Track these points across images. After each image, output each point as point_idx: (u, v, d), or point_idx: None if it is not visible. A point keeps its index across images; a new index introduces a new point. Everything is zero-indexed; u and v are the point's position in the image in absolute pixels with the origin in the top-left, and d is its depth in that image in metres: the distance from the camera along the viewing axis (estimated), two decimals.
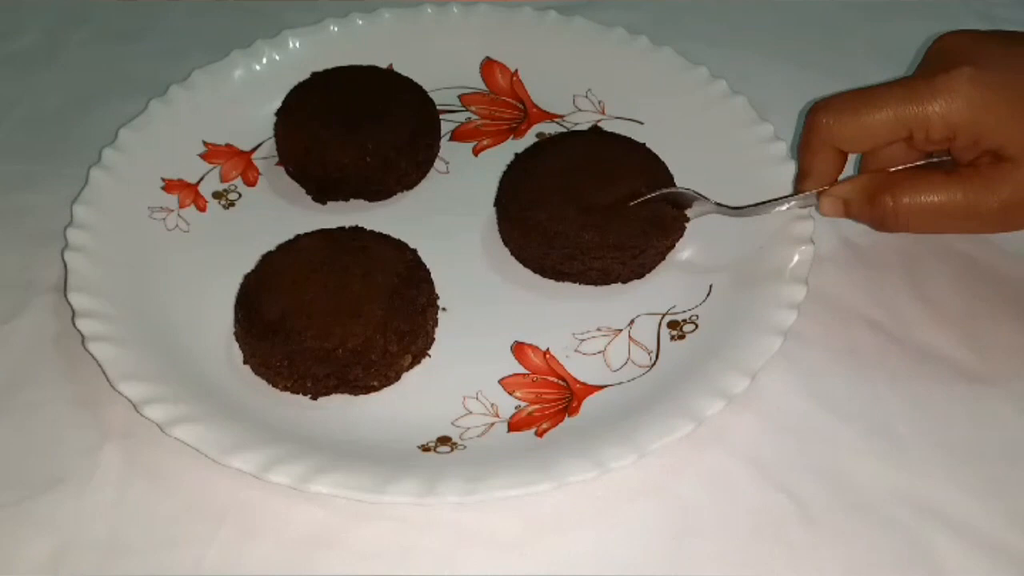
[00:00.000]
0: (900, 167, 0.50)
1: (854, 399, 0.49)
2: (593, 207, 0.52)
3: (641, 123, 0.61)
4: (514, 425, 0.48)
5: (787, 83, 0.65)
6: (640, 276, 0.54)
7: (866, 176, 0.50)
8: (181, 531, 0.44)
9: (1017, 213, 0.47)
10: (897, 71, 0.66)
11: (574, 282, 0.54)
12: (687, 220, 0.54)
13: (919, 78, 0.47)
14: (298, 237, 0.52)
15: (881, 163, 0.51)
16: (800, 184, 0.51)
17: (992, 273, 0.54)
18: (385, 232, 0.52)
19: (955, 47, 0.48)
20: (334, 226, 0.53)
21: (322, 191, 0.58)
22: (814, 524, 0.44)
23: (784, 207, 0.52)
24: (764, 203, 0.52)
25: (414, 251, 0.52)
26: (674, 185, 0.54)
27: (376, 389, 0.49)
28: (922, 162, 0.50)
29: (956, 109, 0.46)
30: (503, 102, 0.64)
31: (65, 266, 0.51)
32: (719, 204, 0.53)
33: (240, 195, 0.59)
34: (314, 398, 0.49)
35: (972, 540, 0.44)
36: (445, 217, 0.57)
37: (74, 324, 0.49)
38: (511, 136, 0.62)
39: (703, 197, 0.53)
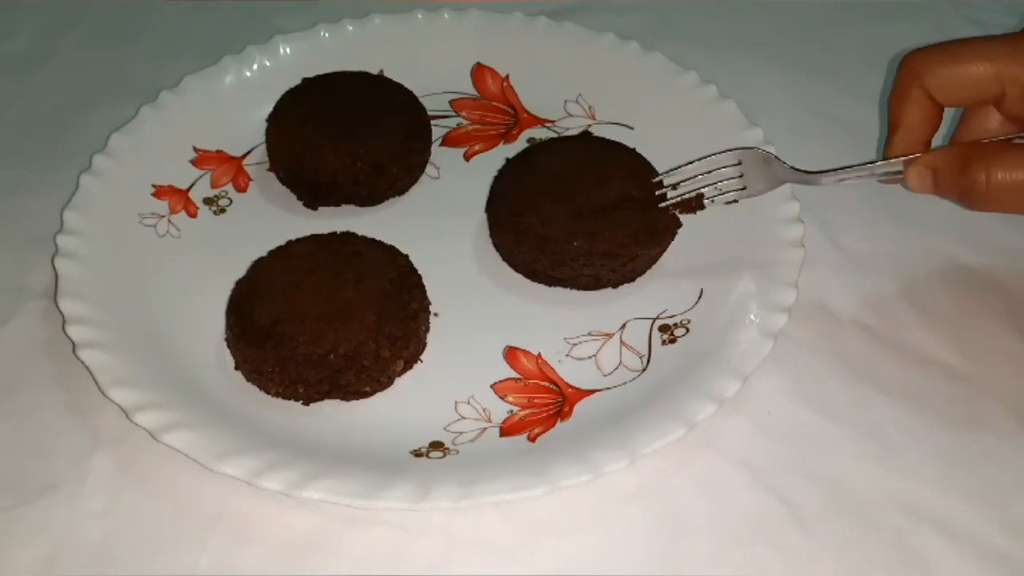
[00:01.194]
0: (994, 139, 0.47)
1: (845, 402, 0.49)
2: (584, 212, 0.52)
3: (631, 128, 0.61)
4: (507, 430, 0.48)
5: (777, 86, 0.66)
6: (631, 281, 0.54)
7: (959, 146, 0.48)
8: (173, 537, 0.44)
9: None
10: (888, 74, 0.67)
11: (565, 287, 0.54)
12: (679, 225, 0.54)
13: (1018, 34, 0.45)
14: (289, 243, 0.52)
15: (974, 134, 0.48)
16: (891, 137, 0.49)
17: (983, 277, 0.55)
18: (377, 237, 0.52)
19: None
20: (325, 232, 0.52)
21: (313, 197, 0.58)
22: (806, 528, 0.45)
23: (866, 175, 0.49)
24: (846, 168, 0.50)
25: (406, 256, 0.52)
26: (663, 187, 0.54)
27: (368, 395, 0.49)
28: (1019, 137, 0.47)
29: None
30: (494, 107, 0.64)
31: (55, 272, 0.51)
32: (796, 169, 0.50)
33: (231, 201, 0.59)
34: (306, 404, 0.49)
35: (963, 543, 0.44)
36: (436, 222, 0.57)
37: (64, 331, 0.48)
38: (502, 141, 0.62)
39: (779, 160, 0.51)
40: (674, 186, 0.53)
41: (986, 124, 0.48)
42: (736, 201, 0.53)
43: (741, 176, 0.52)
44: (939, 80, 0.46)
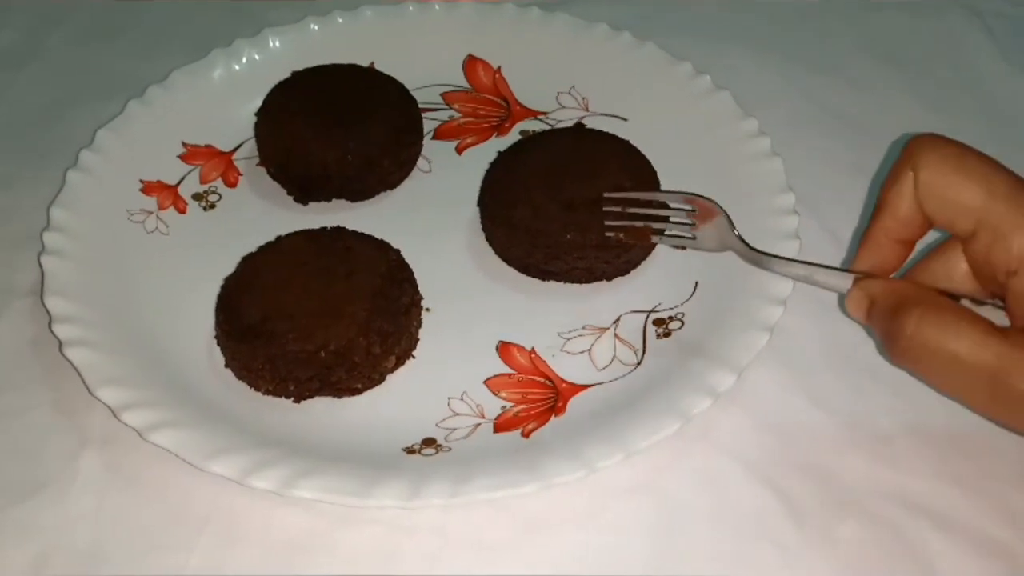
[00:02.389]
0: (950, 293, 0.41)
1: (840, 394, 0.49)
2: (577, 204, 0.52)
3: (625, 119, 0.61)
4: (500, 426, 0.47)
5: (772, 78, 0.65)
6: (625, 273, 0.53)
7: (904, 284, 0.42)
8: (163, 537, 0.44)
9: None
10: (883, 66, 0.67)
11: (559, 281, 0.53)
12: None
13: None
14: (279, 238, 0.51)
15: (933, 274, 0.43)
16: (871, 221, 0.43)
17: None
18: (368, 232, 0.52)
19: None
20: (316, 226, 0.52)
21: (304, 191, 0.58)
22: (802, 521, 0.44)
23: (809, 277, 0.45)
24: (798, 262, 0.45)
25: (397, 251, 0.51)
26: (657, 182, 0.54)
27: (360, 391, 0.48)
28: (973, 300, 0.41)
29: None
30: (486, 100, 0.63)
31: (42, 270, 0.50)
32: (744, 243, 0.46)
33: (220, 196, 0.58)
34: (297, 401, 0.48)
35: (960, 535, 0.44)
36: (428, 216, 0.57)
37: (51, 329, 0.48)
38: (494, 134, 0.61)
39: (731, 226, 0.47)
40: (624, 210, 0.50)
41: (952, 268, 0.42)
42: (684, 248, 0.50)
43: (693, 224, 0.48)
44: (929, 181, 0.40)
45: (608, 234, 0.50)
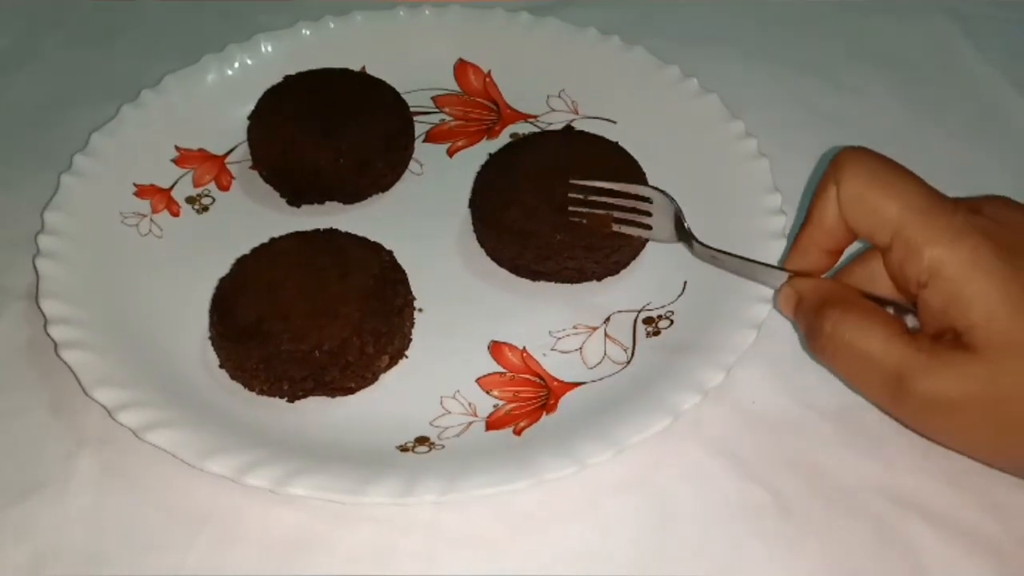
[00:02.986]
0: (879, 298, 0.43)
1: (828, 391, 0.49)
2: (567, 206, 0.52)
3: (614, 122, 0.61)
4: (492, 424, 0.48)
5: (759, 79, 0.66)
6: (615, 273, 0.54)
7: (831, 284, 0.44)
8: (159, 537, 0.44)
9: (942, 415, 0.40)
10: (872, 69, 0.67)
11: (549, 281, 0.54)
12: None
13: (956, 202, 0.40)
14: (273, 240, 0.52)
15: (860, 276, 0.44)
16: (801, 229, 0.44)
17: None
18: (360, 234, 0.52)
19: (1005, 202, 0.41)
20: (309, 229, 0.52)
21: (296, 194, 0.58)
22: (791, 516, 0.45)
23: (750, 272, 0.47)
24: (738, 257, 0.47)
25: (390, 252, 0.52)
26: (645, 180, 0.54)
27: (353, 391, 0.49)
28: (895, 306, 0.43)
29: (953, 255, 0.39)
30: (477, 103, 0.64)
31: (37, 273, 0.51)
32: (691, 235, 0.48)
33: (214, 199, 0.58)
34: (291, 401, 0.48)
35: (947, 528, 0.44)
36: (420, 218, 0.57)
37: (46, 331, 0.48)
38: (485, 137, 0.62)
39: (680, 220, 0.48)
40: (586, 199, 0.51)
41: (875, 274, 0.44)
42: (643, 238, 0.51)
43: (650, 215, 0.50)
44: (848, 196, 0.42)
45: (571, 219, 0.51)
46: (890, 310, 0.42)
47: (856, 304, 0.42)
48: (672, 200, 0.49)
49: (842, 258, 0.46)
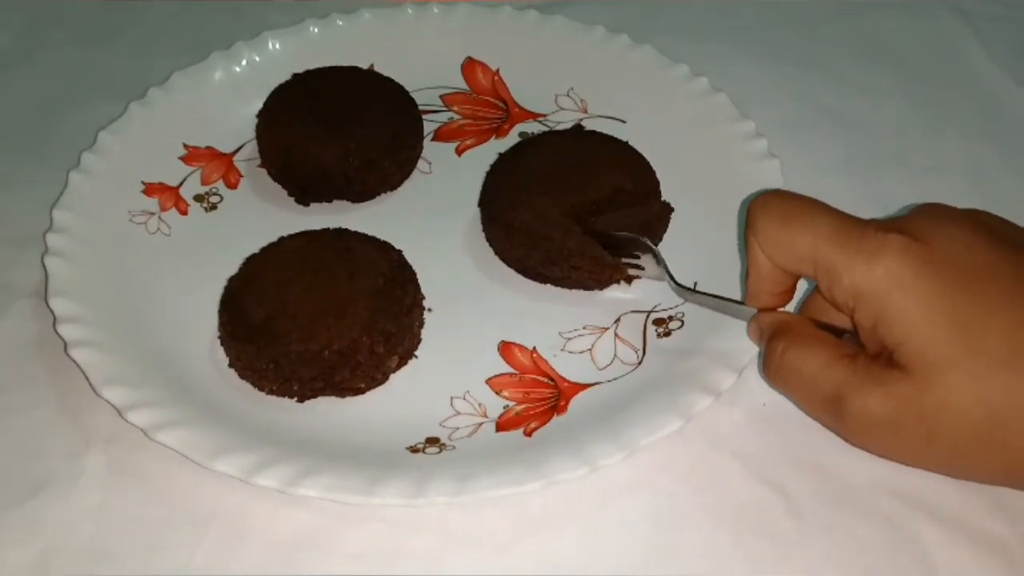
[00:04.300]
0: (838, 327, 0.44)
1: None
2: (577, 209, 0.52)
3: (623, 121, 0.61)
4: (502, 425, 0.47)
5: (768, 79, 0.66)
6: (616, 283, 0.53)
7: (789, 315, 0.45)
8: (167, 536, 0.44)
9: (875, 434, 0.40)
10: (876, 65, 0.67)
11: (555, 285, 0.53)
12: (671, 210, 0.54)
13: (867, 223, 0.41)
14: (281, 239, 0.51)
15: (818, 308, 0.45)
16: (747, 278, 0.45)
17: None
18: (369, 233, 0.52)
19: (932, 213, 0.41)
20: (317, 228, 0.52)
21: (305, 193, 0.58)
22: (801, 517, 0.45)
23: (722, 309, 0.48)
24: (713, 296, 0.48)
25: (399, 252, 0.51)
26: (656, 183, 0.54)
27: (363, 391, 0.49)
28: (847, 333, 0.43)
29: (870, 276, 0.39)
30: (485, 102, 0.64)
31: (45, 271, 0.50)
32: (671, 277, 0.50)
33: (222, 198, 0.58)
34: (300, 401, 0.48)
35: (956, 529, 0.44)
36: (429, 217, 0.57)
37: (55, 329, 0.48)
38: (494, 136, 0.62)
39: (659, 262, 0.50)
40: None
41: (826, 305, 0.44)
42: (639, 278, 0.53)
43: (639, 257, 0.52)
44: (766, 242, 0.43)
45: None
46: (848, 337, 0.43)
47: (804, 333, 0.43)
48: (650, 245, 0.51)
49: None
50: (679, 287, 0.50)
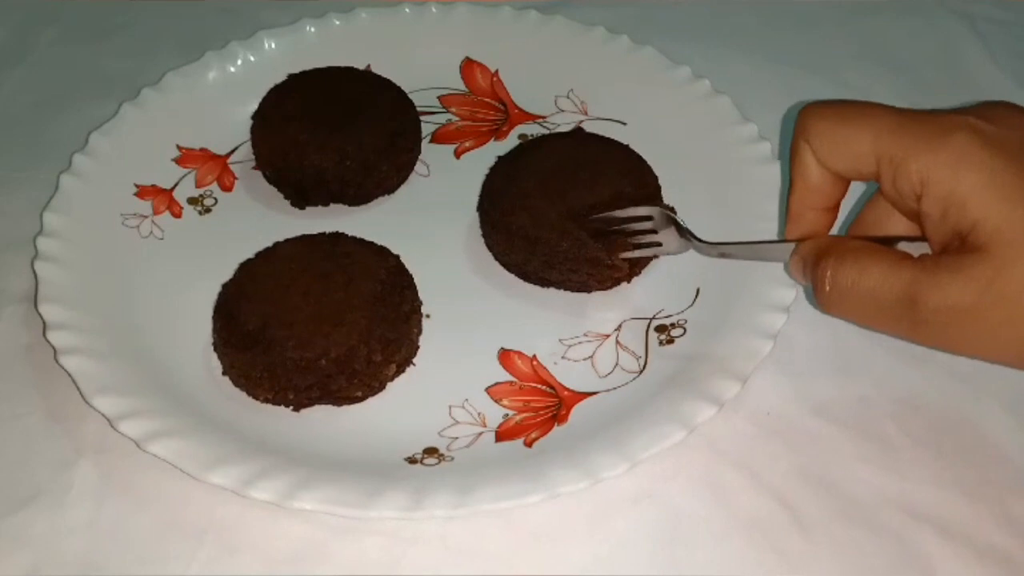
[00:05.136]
0: (889, 238, 0.43)
1: (844, 402, 0.48)
2: (577, 212, 0.51)
3: (624, 124, 0.61)
4: (502, 434, 0.47)
5: (770, 81, 0.65)
6: (627, 281, 0.53)
7: (831, 236, 0.44)
8: (160, 549, 0.43)
9: (961, 325, 0.38)
10: (878, 68, 0.67)
11: (557, 288, 0.53)
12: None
13: (928, 112, 0.40)
14: (277, 244, 0.51)
15: (867, 225, 0.44)
16: (789, 196, 0.44)
17: None
18: (366, 237, 0.51)
19: (993, 104, 0.40)
20: (314, 231, 0.51)
21: (301, 196, 0.57)
22: (806, 530, 0.44)
23: (754, 253, 0.47)
24: (742, 244, 0.47)
25: (397, 257, 0.51)
26: (658, 187, 0.54)
27: (360, 399, 0.48)
28: (908, 239, 0.42)
29: (938, 157, 0.38)
30: (484, 103, 0.63)
31: (35, 276, 0.50)
32: (692, 236, 0.48)
33: (216, 201, 0.57)
34: (296, 410, 0.48)
35: (963, 543, 0.44)
36: (427, 221, 0.56)
37: (45, 336, 0.47)
38: (493, 138, 0.61)
39: (678, 225, 0.48)
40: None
41: (882, 215, 0.43)
42: (656, 256, 0.51)
43: (656, 232, 0.50)
44: (821, 143, 0.42)
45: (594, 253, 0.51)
46: (903, 246, 0.42)
47: (853, 247, 0.41)
48: (668, 210, 0.49)
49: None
50: (707, 244, 0.47)
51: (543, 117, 0.62)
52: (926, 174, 0.38)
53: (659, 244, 0.50)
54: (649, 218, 0.50)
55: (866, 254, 0.40)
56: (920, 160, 0.39)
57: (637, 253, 0.50)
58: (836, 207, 0.44)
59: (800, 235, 0.44)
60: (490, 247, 0.54)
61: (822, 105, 0.43)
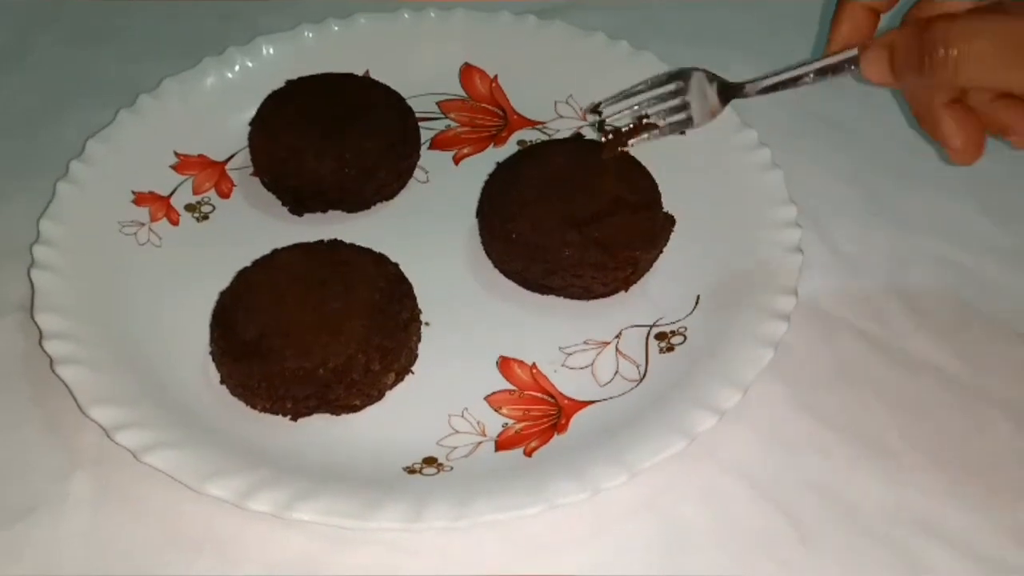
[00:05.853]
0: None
1: (845, 412, 0.48)
2: (577, 219, 0.51)
3: None
4: (502, 444, 0.46)
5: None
6: (625, 289, 0.53)
7: (913, 21, 0.42)
8: (157, 562, 0.43)
9: None
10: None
11: (557, 295, 0.52)
12: (673, 223, 0.53)
13: None
14: (275, 252, 0.50)
15: (931, 10, 0.42)
16: (832, 28, 0.43)
17: (983, 281, 0.54)
18: (364, 244, 0.51)
19: None
20: (312, 239, 0.51)
21: (299, 202, 0.57)
22: (807, 539, 0.44)
23: (810, 75, 0.44)
24: (791, 69, 0.44)
25: (395, 265, 0.50)
26: (657, 191, 0.53)
27: (359, 409, 0.48)
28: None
29: None
30: (483, 109, 0.63)
31: (32, 285, 0.49)
32: (729, 83, 0.46)
33: (214, 207, 0.57)
34: (294, 419, 0.47)
35: (965, 552, 0.44)
36: (426, 228, 0.56)
37: (41, 346, 0.47)
38: (492, 144, 0.61)
39: (712, 77, 0.46)
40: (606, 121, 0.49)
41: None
42: (683, 132, 0.50)
43: (686, 105, 0.48)
44: None
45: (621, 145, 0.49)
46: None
47: (947, 15, 0.39)
48: (697, 70, 0.47)
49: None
50: (752, 84, 0.46)
51: (542, 123, 0.62)
52: None
53: (690, 119, 0.48)
54: (674, 92, 0.47)
55: (972, 17, 0.38)
56: None
57: (667, 131, 0.48)
58: (878, 15, 0.43)
59: (847, 38, 0.42)
60: (489, 254, 0.54)
61: None
